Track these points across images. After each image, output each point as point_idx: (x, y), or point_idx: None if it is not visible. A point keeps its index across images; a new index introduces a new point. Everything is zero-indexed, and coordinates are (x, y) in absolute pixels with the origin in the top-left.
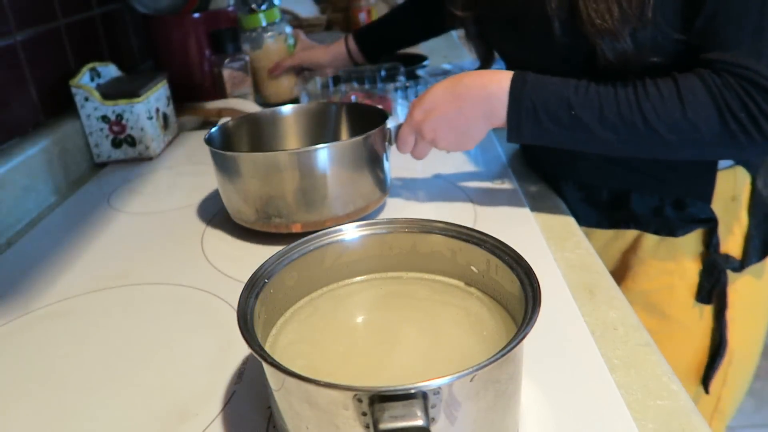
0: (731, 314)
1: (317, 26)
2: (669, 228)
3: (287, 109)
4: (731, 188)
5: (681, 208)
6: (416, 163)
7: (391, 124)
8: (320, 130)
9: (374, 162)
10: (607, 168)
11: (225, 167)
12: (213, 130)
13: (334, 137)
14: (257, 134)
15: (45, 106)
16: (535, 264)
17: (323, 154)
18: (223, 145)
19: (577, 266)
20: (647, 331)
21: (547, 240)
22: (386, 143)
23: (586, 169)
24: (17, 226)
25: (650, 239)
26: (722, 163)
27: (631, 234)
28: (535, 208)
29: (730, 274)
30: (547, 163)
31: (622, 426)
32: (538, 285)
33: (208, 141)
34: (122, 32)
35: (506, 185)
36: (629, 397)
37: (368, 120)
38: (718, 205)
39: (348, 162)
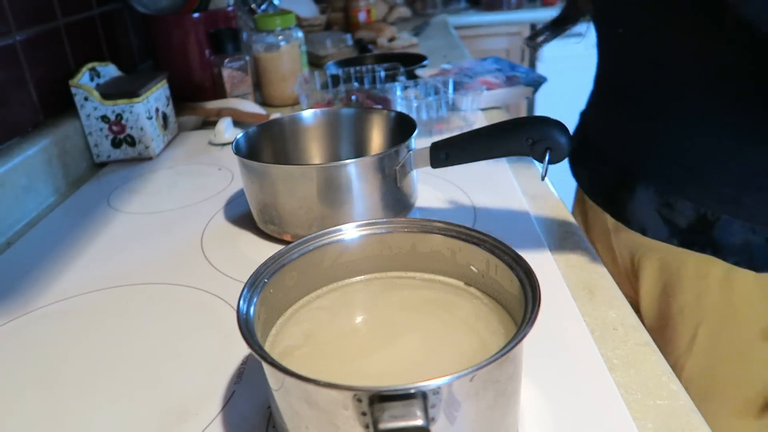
0: None
1: (317, 26)
2: (753, 263)
3: (317, 113)
4: None
5: None
6: None
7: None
8: (349, 136)
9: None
10: (701, 179)
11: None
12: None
13: (359, 145)
14: (290, 139)
15: (45, 106)
16: (534, 264)
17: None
18: (250, 151)
19: (577, 266)
20: (647, 331)
21: (547, 240)
22: (400, 167)
23: (675, 174)
24: (17, 226)
25: (738, 273)
26: None
27: (712, 263)
28: (535, 209)
29: None
30: (621, 155)
31: (622, 426)
32: (538, 285)
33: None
34: (122, 32)
35: (506, 185)
36: (629, 397)
37: (401, 129)
38: None
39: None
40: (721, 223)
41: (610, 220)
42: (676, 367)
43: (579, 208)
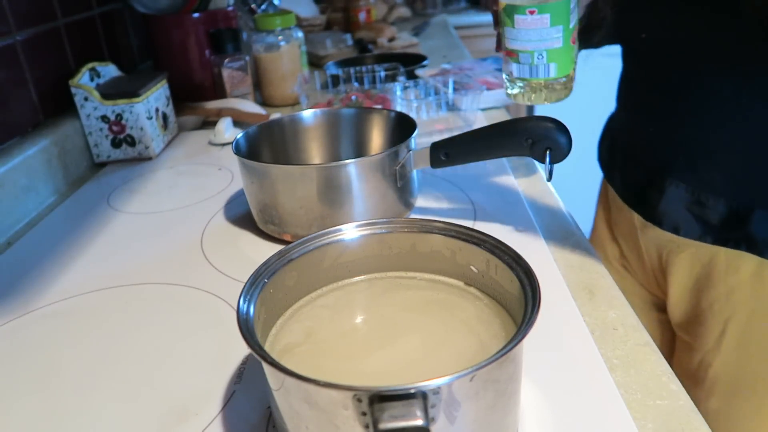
0: None
1: (317, 26)
2: None
3: (317, 113)
4: None
5: None
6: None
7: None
8: (348, 136)
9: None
10: (732, 174)
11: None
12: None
13: (360, 145)
14: (289, 140)
15: (45, 106)
16: (534, 264)
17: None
18: (250, 151)
19: (577, 266)
20: (647, 331)
21: (547, 240)
22: (400, 168)
23: (705, 171)
24: (17, 226)
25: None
26: None
27: (743, 257)
28: (535, 209)
29: None
30: (652, 155)
31: (622, 426)
32: (538, 285)
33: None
34: (122, 32)
35: (506, 185)
36: (629, 397)
37: (401, 129)
38: None
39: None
40: (754, 217)
41: (637, 219)
42: (704, 363)
43: (603, 206)
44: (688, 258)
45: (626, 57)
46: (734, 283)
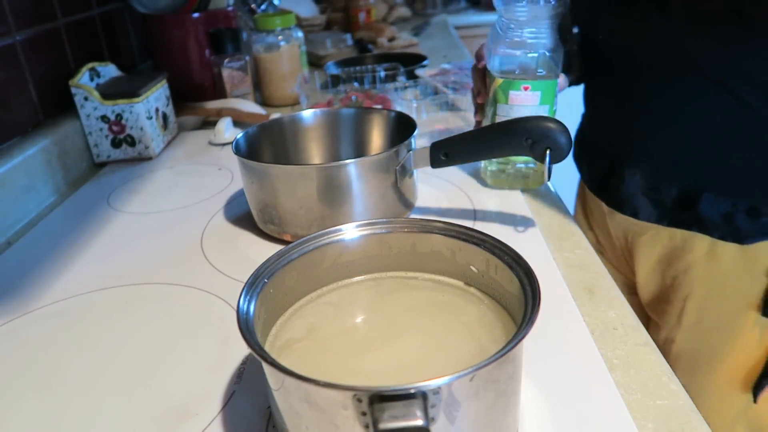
0: None
1: (317, 26)
2: (736, 236)
3: (317, 113)
4: None
5: (755, 216)
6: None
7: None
8: (347, 136)
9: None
10: (682, 162)
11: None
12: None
13: (360, 145)
14: (290, 139)
15: (45, 106)
16: (534, 264)
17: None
18: (250, 151)
19: (577, 266)
20: (647, 331)
21: (547, 240)
22: (400, 168)
23: (658, 160)
24: (17, 226)
25: (722, 246)
26: None
27: (697, 237)
28: (534, 208)
29: None
30: (612, 148)
31: (622, 426)
32: (538, 285)
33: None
34: (122, 32)
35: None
36: (629, 397)
37: (401, 129)
38: None
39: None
40: (703, 199)
41: (605, 205)
42: (668, 341)
43: (580, 197)
44: (649, 240)
45: (586, 56)
46: (690, 262)
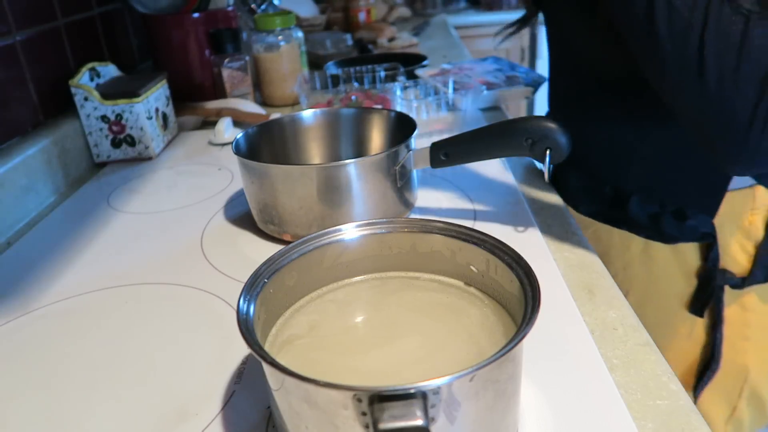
0: (747, 333)
1: (317, 26)
2: (662, 237)
3: (317, 113)
4: (749, 209)
5: (681, 219)
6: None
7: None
8: (347, 136)
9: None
10: (616, 164)
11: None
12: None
13: (360, 145)
14: (289, 139)
15: (44, 105)
16: (534, 264)
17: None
18: (250, 151)
19: (577, 266)
20: (647, 331)
21: (547, 240)
22: (400, 168)
23: (595, 161)
24: (17, 226)
25: (655, 246)
26: (742, 182)
27: (634, 237)
28: (534, 209)
29: (748, 293)
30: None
31: (622, 426)
32: (538, 285)
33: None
34: (122, 32)
35: (506, 185)
36: (629, 397)
37: (401, 129)
38: (732, 226)
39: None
40: (632, 200)
41: None
42: None
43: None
44: (592, 236)
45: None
46: (628, 260)
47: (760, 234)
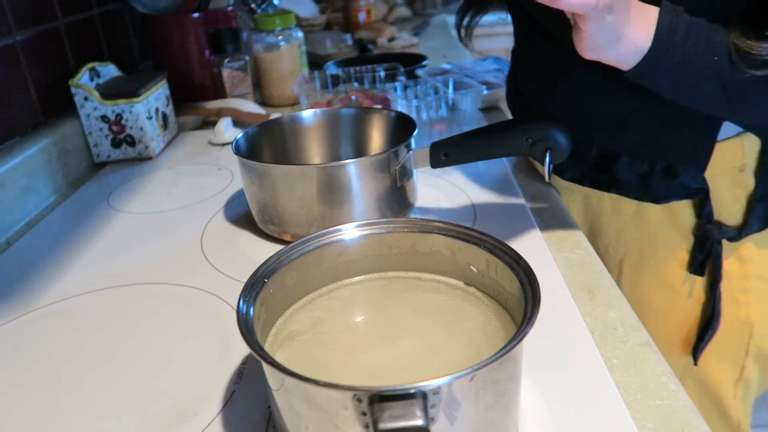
0: (746, 285)
1: (317, 26)
2: (653, 196)
3: (317, 113)
4: (739, 158)
5: (672, 176)
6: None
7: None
8: (347, 136)
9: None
10: (601, 126)
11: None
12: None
13: (360, 145)
14: (289, 139)
15: (44, 105)
16: (534, 264)
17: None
18: (250, 151)
19: (577, 266)
20: (646, 331)
21: (547, 240)
22: (400, 168)
23: (578, 124)
24: (17, 226)
25: (647, 207)
26: (729, 131)
27: (624, 201)
28: (534, 208)
29: (744, 244)
30: (541, 112)
31: (622, 426)
32: (538, 285)
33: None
34: (122, 32)
35: (506, 185)
36: (629, 397)
37: (401, 129)
38: (724, 177)
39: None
40: (620, 161)
41: None
42: None
43: None
44: (581, 204)
45: (520, 23)
46: (620, 225)
47: (751, 183)
